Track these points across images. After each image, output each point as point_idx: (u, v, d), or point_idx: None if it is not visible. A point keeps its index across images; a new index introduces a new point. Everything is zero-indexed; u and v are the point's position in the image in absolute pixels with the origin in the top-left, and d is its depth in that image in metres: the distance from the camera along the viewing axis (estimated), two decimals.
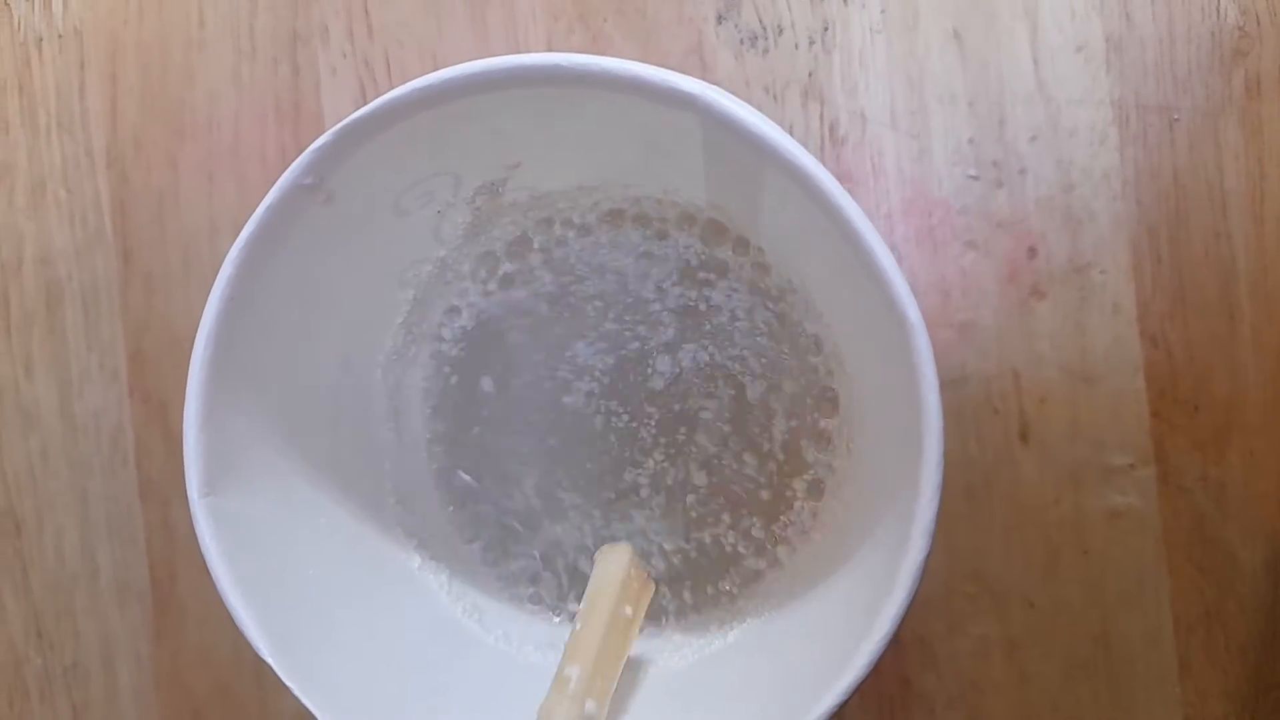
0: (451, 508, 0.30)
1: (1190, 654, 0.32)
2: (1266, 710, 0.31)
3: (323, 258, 0.25)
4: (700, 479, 0.29)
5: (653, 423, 0.29)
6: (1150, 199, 0.32)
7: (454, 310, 0.30)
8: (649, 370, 0.29)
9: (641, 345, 0.29)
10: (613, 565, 0.25)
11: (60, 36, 0.35)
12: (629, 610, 0.25)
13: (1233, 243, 0.32)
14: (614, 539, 0.30)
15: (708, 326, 0.29)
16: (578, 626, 0.24)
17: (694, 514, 0.29)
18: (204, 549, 0.23)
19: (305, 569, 0.25)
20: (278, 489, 0.25)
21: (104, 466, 0.34)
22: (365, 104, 0.23)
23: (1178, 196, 0.32)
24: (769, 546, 0.29)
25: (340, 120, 0.23)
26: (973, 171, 0.33)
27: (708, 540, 0.29)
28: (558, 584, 0.30)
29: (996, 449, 0.32)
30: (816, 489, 0.29)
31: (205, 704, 0.34)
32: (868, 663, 0.20)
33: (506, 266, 0.30)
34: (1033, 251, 0.32)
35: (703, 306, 0.29)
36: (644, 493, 0.29)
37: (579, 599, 0.30)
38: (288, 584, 0.24)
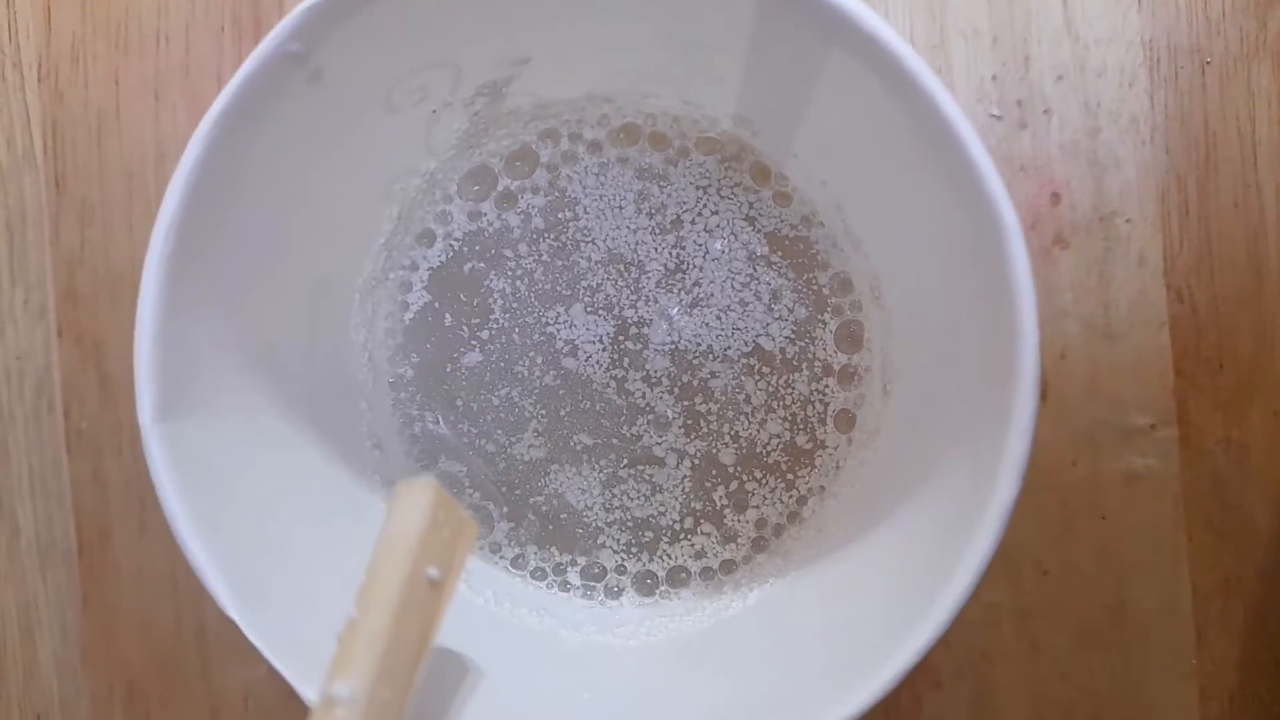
0: (421, 465, 0.27)
1: (1207, 623, 0.30)
2: None
3: (304, 152, 0.21)
4: (728, 456, 0.26)
5: (663, 393, 0.26)
6: (1179, 146, 0.31)
7: (435, 236, 0.27)
8: (647, 339, 0.26)
9: (637, 312, 0.26)
10: (407, 516, 0.18)
11: None
12: (434, 572, 0.18)
13: (1263, 195, 0.31)
14: (624, 497, 0.27)
15: (706, 284, 0.26)
16: (353, 614, 0.18)
17: (716, 485, 0.26)
18: (156, 482, 0.19)
19: (274, 512, 0.22)
20: (244, 420, 0.22)
21: (27, 415, 0.31)
22: None
23: (1208, 144, 0.31)
24: (790, 502, 0.27)
25: None
26: (995, 111, 0.31)
27: (723, 498, 0.27)
28: (548, 550, 0.27)
29: None
30: (844, 439, 0.26)
31: (140, 676, 0.30)
32: (949, 616, 0.17)
33: (506, 183, 0.27)
34: (1056, 198, 0.31)
35: (700, 260, 0.26)
36: (659, 455, 0.27)
37: (575, 565, 0.27)
38: (252, 527, 0.21)
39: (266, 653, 0.20)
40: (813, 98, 0.21)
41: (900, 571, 0.20)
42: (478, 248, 0.27)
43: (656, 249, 0.27)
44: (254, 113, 0.19)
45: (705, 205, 0.27)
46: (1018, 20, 0.31)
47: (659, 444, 0.27)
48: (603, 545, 0.27)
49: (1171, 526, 0.30)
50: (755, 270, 0.27)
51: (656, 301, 0.27)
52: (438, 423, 0.27)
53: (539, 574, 0.27)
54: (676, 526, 0.27)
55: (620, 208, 0.27)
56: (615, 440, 0.27)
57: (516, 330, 0.27)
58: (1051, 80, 0.31)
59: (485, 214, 0.27)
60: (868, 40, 0.17)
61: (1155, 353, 0.31)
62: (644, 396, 0.27)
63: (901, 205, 0.21)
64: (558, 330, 0.27)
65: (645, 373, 0.27)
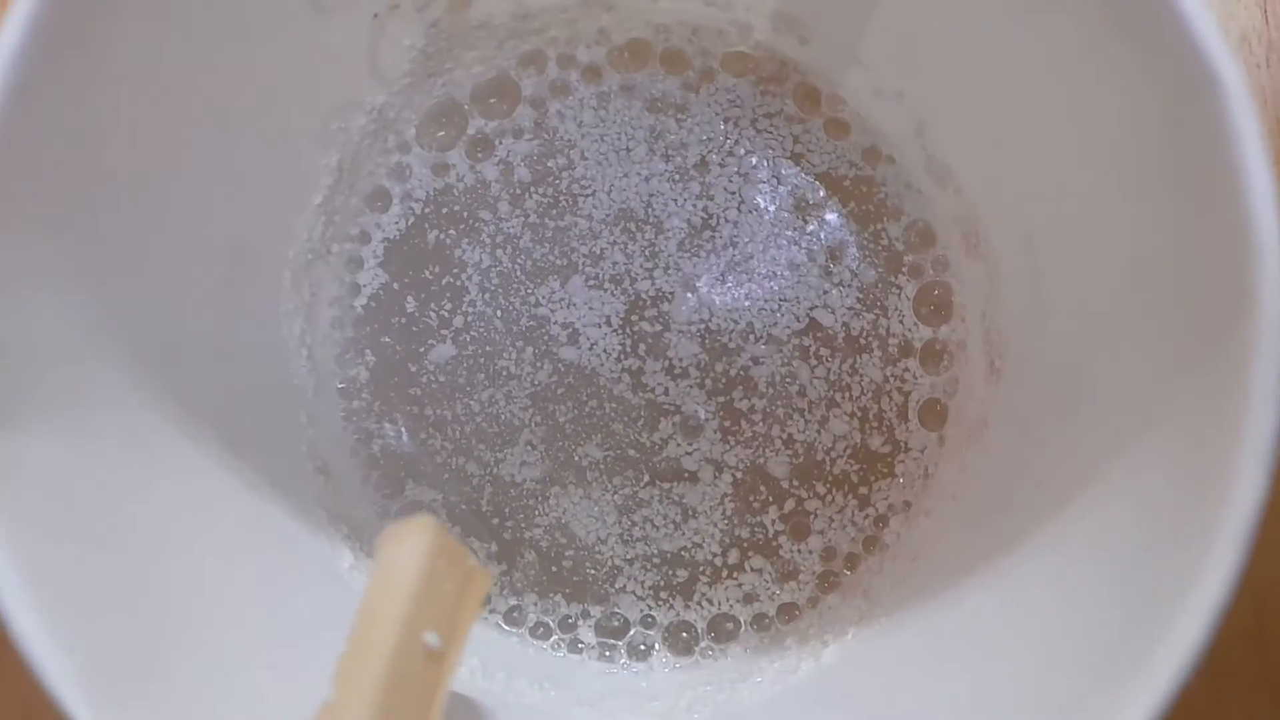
0: (382, 494, 0.21)
1: None
2: None
3: (192, 58, 0.15)
4: (779, 467, 0.20)
5: (691, 388, 0.21)
6: None
7: (391, 197, 0.21)
8: (669, 318, 0.20)
9: (655, 284, 0.21)
10: (397, 569, 0.15)
11: None
12: (434, 638, 0.15)
13: None
14: (646, 525, 0.21)
15: (743, 244, 0.20)
16: (329, 697, 0.14)
17: (766, 505, 0.21)
18: None
19: (170, 562, 0.15)
20: (121, 435, 0.15)
21: None
22: None
23: None
24: (865, 524, 0.20)
25: None
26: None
27: (777, 522, 0.21)
28: (552, 599, 0.21)
29: None
30: (933, 438, 0.20)
31: None
32: (1178, 674, 0.11)
33: (479, 124, 0.21)
34: None
35: (734, 213, 0.20)
36: (690, 469, 0.21)
37: (588, 618, 0.21)
38: (137, 591, 0.15)
39: None
40: None
41: (1067, 612, 0.14)
42: (446, 211, 0.21)
43: (677, 201, 0.21)
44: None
45: (738, 142, 0.21)
46: None
47: (689, 454, 0.21)
48: (623, 590, 0.21)
49: None
50: (805, 222, 0.21)
51: (679, 269, 0.21)
52: (401, 437, 0.21)
53: (541, 631, 0.21)
54: (717, 562, 0.21)
55: (628, 150, 0.21)
56: (632, 451, 0.21)
57: (499, 314, 0.21)
58: None
59: (454, 166, 0.21)
60: None
61: None
62: (667, 393, 0.21)
63: (1032, 105, 0.15)
64: (552, 312, 0.21)
65: (667, 362, 0.21)
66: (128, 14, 0.14)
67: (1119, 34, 0.13)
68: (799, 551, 0.21)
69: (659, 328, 0.21)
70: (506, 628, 0.21)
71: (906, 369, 0.21)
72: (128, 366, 0.15)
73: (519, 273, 0.21)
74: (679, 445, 0.21)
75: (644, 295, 0.21)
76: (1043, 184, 0.16)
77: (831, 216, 0.21)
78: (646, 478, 0.21)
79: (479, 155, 0.21)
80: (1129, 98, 0.13)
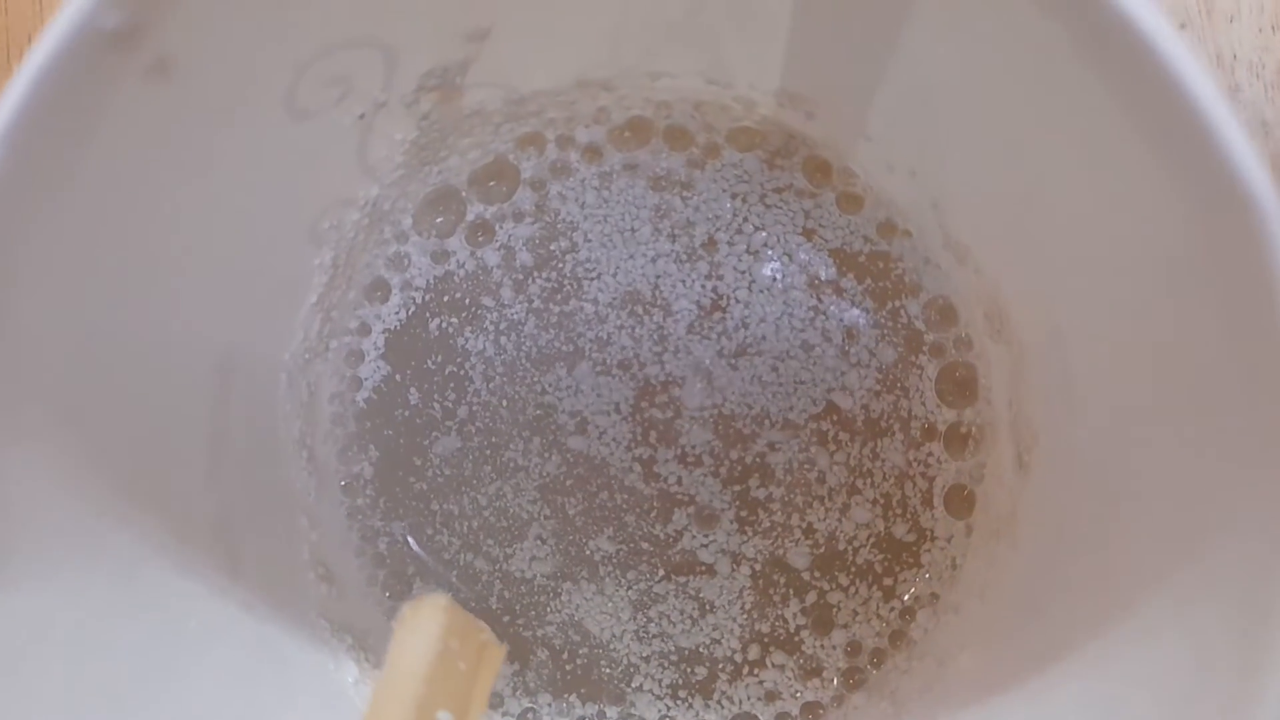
0: (388, 594, 0.20)
1: None
2: None
3: (165, 178, 0.15)
4: (800, 558, 0.19)
5: (705, 476, 0.20)
6: None
7: (390, 287, 0.20)
8: (680, 404, 0.20)
9: (664, 368, 0.20)
10: (410, 648, 0.16)
11: None
12: (447, 717, 0.15)
13: None
14: (663, 621, 0.20)
15: (755, 324, 0.20)
16: None
17: (787, 598, 0.20)
18: None
19: (161, 705, 0.15)
20: (108, 575, 0.15)
21: None
22: None
23: None
24: (890, 617, 0.19)
25: None
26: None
27: (799, 615, 0.20)
28: (566, 700, 0.20)
29: None
30: (961, 526, 0.19)
31: None
32: None
33: (478, 210, 0.20)
34: None
35: (744, 293, 0.19)
36: (706, 561, 0.20)
37: (604, 718, 0.20)
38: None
39: None
40: (902, 41, 0.14)
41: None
42: (447, 298, 0.21)
43: (685, 282, 0.20)
44: (66, 122, 0.13)
45: (746, 219, 0.20)
46: None
47: (705, 546, 0.20)
48: (639, 689, 0.20)
49: None
50: (820, 301, 0.20)
51: (689, 352, 0.20)
52: (407, 536, 0.20)
53: None
54: (737, 658, 0.20)
55: (632, 230, 0.20)
56: (646, 544, 0.20)
57: (505, 404, 0.20)
58: None
59: (454, 253, 0.21)
60: None
61: None
62: (680, 482, 0.20)
63: (1051, 200, 0.14)
64: (559, 400, 0.20)
65: (680, 450, 0.20)
66: (103, 141, 0.14)
67: (1143, 143, 0.12)
68: (822, 646, 0.20)
69: (670, 414, 0.20)
70: None
71: (930, 453, 0.20)
72: (111, 505, 0.15)
73: (524, 360, 0.20)
74: (694, 537, 0.20)
75: (654, 381, 0.20)
76: (1067, 275, 0.15)
77: (847, 294, 0.20)
78: (661, 571, 0.20)
79: (479, 240, 0.21)
80: (1157, 205, 0.12)
